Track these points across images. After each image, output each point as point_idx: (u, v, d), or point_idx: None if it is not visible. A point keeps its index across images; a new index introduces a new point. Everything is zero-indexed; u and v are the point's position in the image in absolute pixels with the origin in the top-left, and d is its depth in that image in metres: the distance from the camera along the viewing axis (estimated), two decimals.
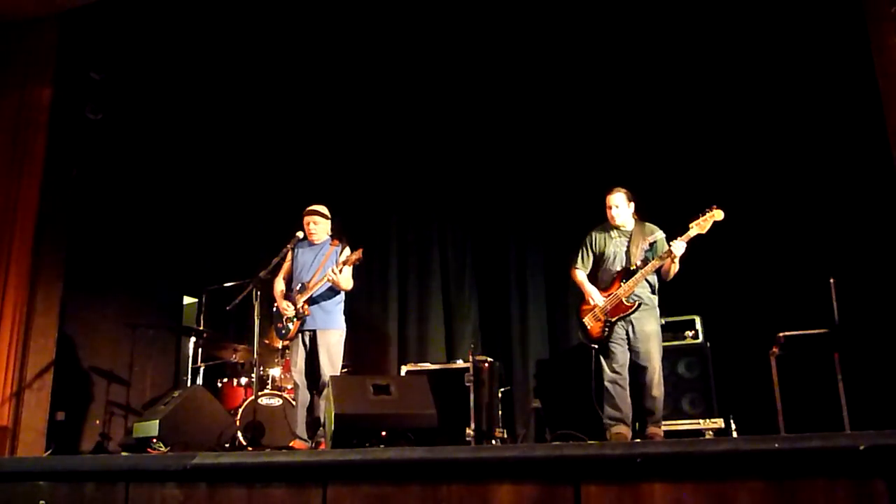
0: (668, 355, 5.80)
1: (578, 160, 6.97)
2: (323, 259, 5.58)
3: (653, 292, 5.08)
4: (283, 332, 5.54)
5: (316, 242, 5.67)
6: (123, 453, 5.91)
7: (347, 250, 5.61)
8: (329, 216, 5.72)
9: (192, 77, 7.57)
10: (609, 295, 5.04)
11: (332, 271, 5.35)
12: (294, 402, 5.68)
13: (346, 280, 5.45)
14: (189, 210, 7.95)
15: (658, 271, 5.03)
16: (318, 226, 5.63)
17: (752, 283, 6.06)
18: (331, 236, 5.73)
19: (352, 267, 5.46)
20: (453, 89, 7.45)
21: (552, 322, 6.98)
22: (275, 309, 5.67)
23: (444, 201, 7.63)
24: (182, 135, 7.84)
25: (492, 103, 7.39)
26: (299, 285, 5.57)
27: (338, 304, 5.57)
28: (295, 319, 5.46)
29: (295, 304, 5.46)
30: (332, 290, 5.50)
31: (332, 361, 5.41)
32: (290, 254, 5.69)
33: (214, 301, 6.88)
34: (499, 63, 7.22)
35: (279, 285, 5.71)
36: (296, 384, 5.50)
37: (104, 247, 7.11)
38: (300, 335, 5.48)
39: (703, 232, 4.84)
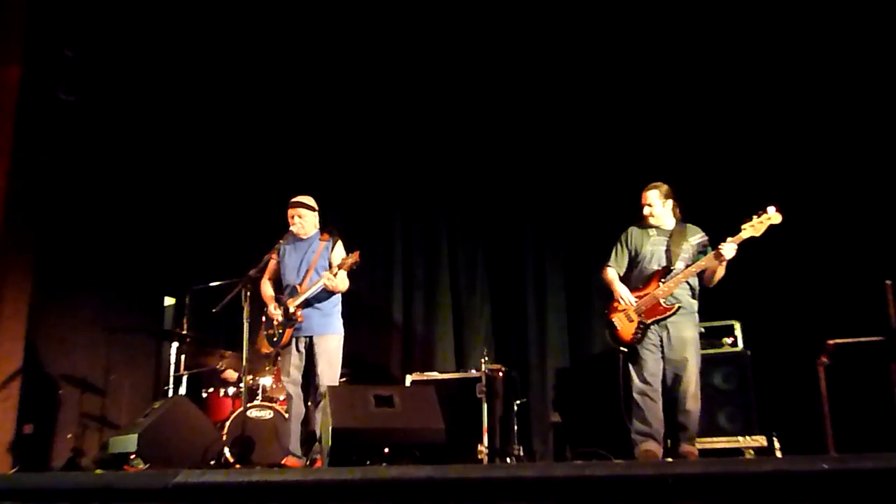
0: (704, 365, 5.74)
1: (606, 145, 6.96)
2: (314, 257, 5.58)
3: (693, 296, 5.09)
4: (275, 338, 5.54)
5: (304, 238, 5.67)
6: (98, 471, 5.92)
7: (340, 246, 5.62)
8: (316, 207, 5.72)
9: (176, 55, 7.57)
10: (644, 295, 5.03)
11: (328, 276, 5.34)
12: (287, 415, 5.68)
13: (341, 282, 5.45)
14: (172, 202, 7.95)
15: (701, 275, 5.03)
16: (304, 219, 5.63)
17: (797, 284, 6.04)
18: (320, 230, 5.73)
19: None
20: (461, 65, 7.45)
21: (573, 326, 6.97)
22: (264, 314, 5.67)
23: (453, 192, 7.63)
24: (165, 118, 7.84)
25: (506, 81, 7.37)
26: (289, 288, 5.57)
27: (335, 307, 5.57)
28: (287, 325, 5.45)
29: (286, 309, 5.46)
30: (328, 291, 5.49)
31: (330, 370, 5.42)
32: (275, 252, 5.68)
33: (199, 302, 6.90)
34: (518, 36, 7.21)
35: (266, 287, 5.71)
36: (289, 395, 5.51)
37: (77, 242, 7.12)
38: (293, 341, 5.48)
39: (758, 235, 4.84)
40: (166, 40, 7.40)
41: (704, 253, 5.06)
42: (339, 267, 5.34)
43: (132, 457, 5.37)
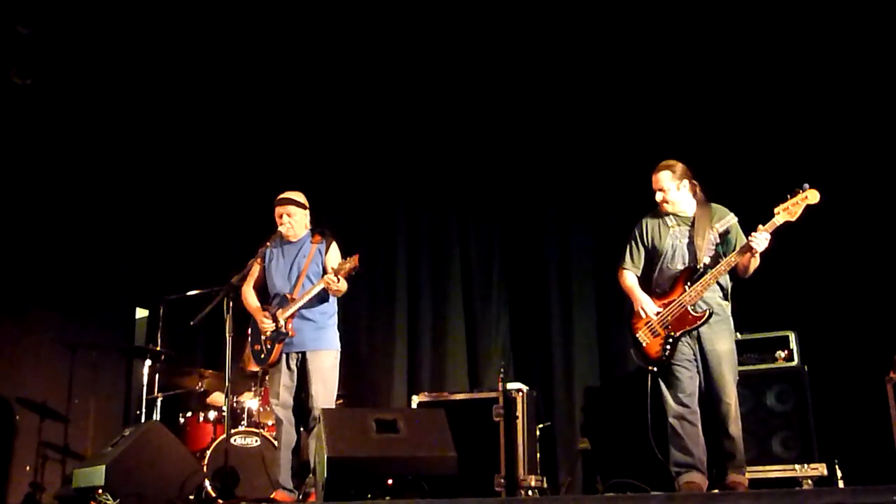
0: (755, 382, 5.78)
1: (639, 127, 6.94)
2: (305, 261, 5.58)
3: (725, 297, 5.00)
4: (263, 355, 5.53)
5: (293, 240, 5.68)
6: None
7: (335, 249, 5.64)
8: (307, 205, 5.71)
9: (148, 34, 7.55)
10: (670, 302, 4.98)
11: (329, 278, 5.34)
12: (276, 443, 5.68)
13: (343, 284, 5.46)
14: (143, 200, 7.96)
15: (734, 268, 4.95)
16: (294, 218, 5.63)
17: (862, 289, 6.01)
18: (311, 230, 5.74)
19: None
20: (472, 36, 7.42)
21: (604, 339, 6.97)
22: (249, 327, 5.67)
23: (465, 185, 7.63)
24: (133, 105, 7.85)
25: (526, 53, 7.37)
26: (279, 298, 5.57)
27: (331, 318, 5.58)
28: (277, 340, 5.46)
29: (276, 322, 5.47)
30: (323, 300, 5.50)
31: (325, 390, 5.43)
32: (260, 256, 5.68)
33: (175, 314, 6.90)
34: (540, 8, 7.20)
35: (251, 297, 5.70)
36: (278, 420, 5.51)
37: (34, 247, 7.14)
38: (283, 358, 5.48)
39: (793, 219, 4.75)
40: (137, 16, 7.39)
41: (725, 242, 4.98)
42: (337, 273, 5.33)
43: (99, 492, 5.37)
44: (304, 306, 5.46)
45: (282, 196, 5.66)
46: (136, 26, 7.49)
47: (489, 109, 7.53)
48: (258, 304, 5.67)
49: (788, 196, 4.76)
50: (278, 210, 5.64)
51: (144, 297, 7.96)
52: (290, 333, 5.42)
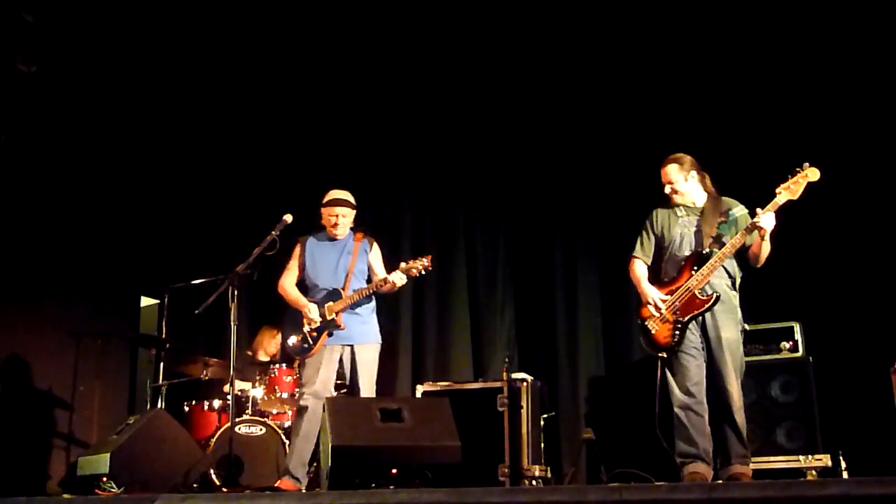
0: (760, 373, 5.79)
1: (643, 118, 6.93)
2: (351, 259, 5.68)
3: (732, 287, 5.01)
4: (306, 346, 5.56)
5: (339, 238, 5.74)
6: (65, 495, 5.97)
7: (377, 248, 5.85)
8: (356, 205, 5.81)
9: (152, 21, 7.55)
10: (677, 288, 4.99)
11: (398, 277, 5.52)
12: (279, 431, 5.73)
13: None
14: (147, 187, 7.97)
15: (745, 258, 4.96)
16: (347, 218, 5.75)
17: (867, 280, 6.00)
18: (352, 229, 5.83)
19: None
20: (476, 23, 7.38)
21: (609, 329, 6.98)
22: (291, 318, 5.71)
23: (471, 174, 7.64)
24: (139, 92, 7.85)
25: (530, 41, 7.34)
26: (326, 291, 5.63)
27: (373, 312, 5.75)
28: (326, 331, 5.52)
29: (324, 315, 5.53)
30: (368, 295, 5.65)
31: (371, 381, 5.58)
32: (297, 250, 5.76)
33: (180, 303, 6.93)
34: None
35: (293, 290, 5.74)
36: (302, 408, 5.47)
37: (39, 234, 7.14)
38: (325, 350, 5.55)
39: (795, 198, 4.74)
40: (143, 4, 7.38)
41: (730, 224, 4.97)
42: (406, 271, 5.51)
43: (104, 479, 5.40)
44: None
45: (339, 196, 5.75)
46: (142, 14, 7.49)
47: (494, 100, 7.52)
48: (302, 296, 5.72)
49: (789, 176, 4.77)
50: (336, 210, 5.71)
51: (149, 285, 7.98)
52: (341, 326, 5.50)
